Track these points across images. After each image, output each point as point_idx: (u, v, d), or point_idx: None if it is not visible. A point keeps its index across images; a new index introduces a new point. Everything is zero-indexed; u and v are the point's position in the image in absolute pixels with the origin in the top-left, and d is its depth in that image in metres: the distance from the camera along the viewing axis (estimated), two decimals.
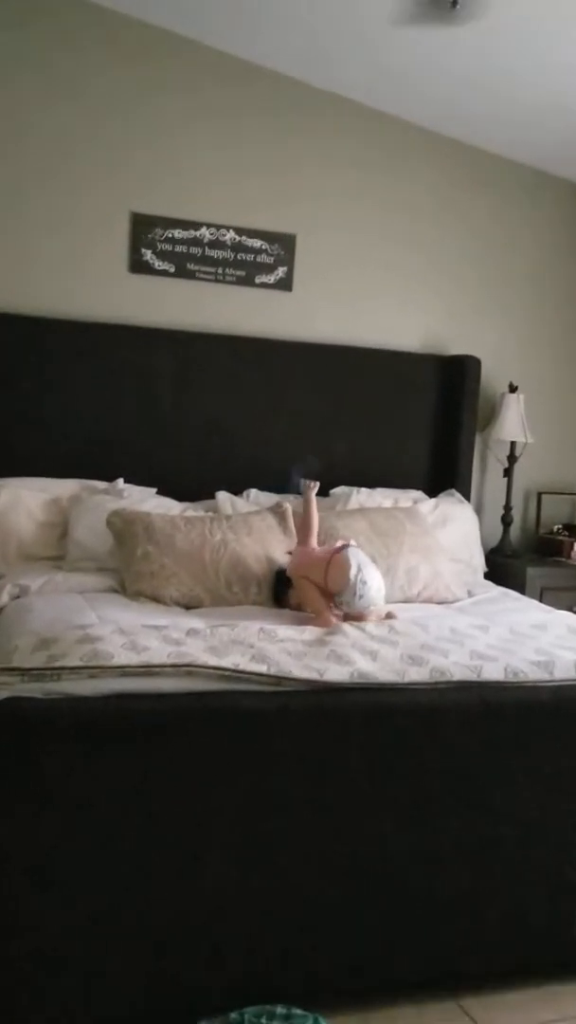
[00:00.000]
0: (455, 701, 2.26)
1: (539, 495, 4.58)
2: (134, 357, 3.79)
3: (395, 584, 3.34)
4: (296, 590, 3.04)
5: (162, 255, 3.90)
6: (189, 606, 3.07)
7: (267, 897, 2.14)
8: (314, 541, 3.18)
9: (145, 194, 3.86)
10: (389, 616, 2.96)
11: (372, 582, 2.94)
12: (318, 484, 3.27)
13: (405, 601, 3.35)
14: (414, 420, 4.26)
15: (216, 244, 3.97)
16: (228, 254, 3.99)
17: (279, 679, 2.22)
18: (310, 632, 2.63)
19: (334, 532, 3.40)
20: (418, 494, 4.16)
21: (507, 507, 4.41)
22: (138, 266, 3.87)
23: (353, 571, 2.91)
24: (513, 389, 4.35)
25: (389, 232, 4.26)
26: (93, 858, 2.04)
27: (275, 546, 3.30)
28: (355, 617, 2.91)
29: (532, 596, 3.92)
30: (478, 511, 4.46)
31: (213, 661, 2.24)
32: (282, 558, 3.22)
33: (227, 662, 2.25)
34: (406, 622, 2.83)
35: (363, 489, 4.00)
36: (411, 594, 3.40)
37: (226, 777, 2.11)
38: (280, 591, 3.10)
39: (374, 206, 4.22)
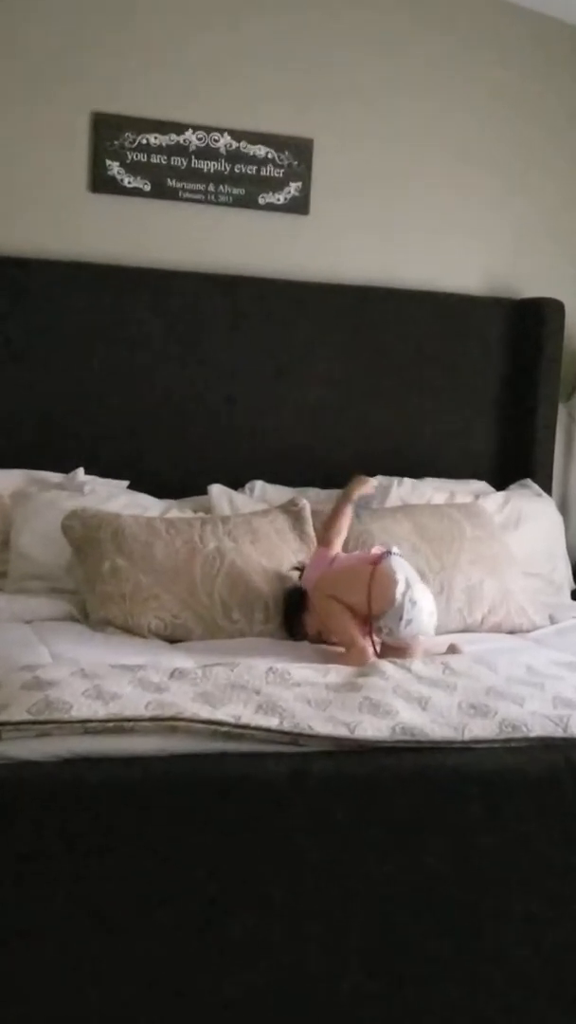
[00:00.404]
0: (534, 765, 2.26)
1: None
2: (97, 306, 3.79)
3: (451, 607, 3.33)
4: (315, 612, 3.05)
5: (134, 168, 3.89)
6: (173, 639, 3.07)
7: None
8: (338, 546, 3.19)
9: (111, 88, 3.85)
10: (452, 650, 2.95)
11: (424, 603, 2.95)
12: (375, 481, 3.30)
13: (464, 631, 3.34)
14: (475, 386, 4.25)
15: (206, 153, 3.96)
16: (223, 166, 3.99)
17: (295, 736, 2.22)
18: (336, 672, 2.62)
19: (367, 538, 3.39)
20: (481, 486, 4.15)
21: None
22: (102, 183, 3.87)
23: (400, 587, 2.91)
24: None
25: (439, 135, 4.25)
26: (46, 981, 2.04)
27: (289, 557, 3.30)
28: (396, 651, 2.90)
29: None
30: (562, 508, 4.44)
31: (205, 713, 2.24)
32: (293, 572, 3.23)
33: (224, 714, 2.25)
34: (466, 659, 2.83)
35: (407, 480, 4.00)
36: (472, 621, 3.39)
37: (223, 871, 2.11)
38: (294, 616, 3.11)
39: (419, 100, 4.21)
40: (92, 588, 3.16)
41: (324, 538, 3.22)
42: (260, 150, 4.02)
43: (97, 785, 2.08)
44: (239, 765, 2.16)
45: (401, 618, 2.89)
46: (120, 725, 2.18)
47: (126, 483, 3.74)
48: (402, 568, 2.97)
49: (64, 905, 2.04)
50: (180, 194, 3.95)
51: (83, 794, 2.06)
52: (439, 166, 4.26)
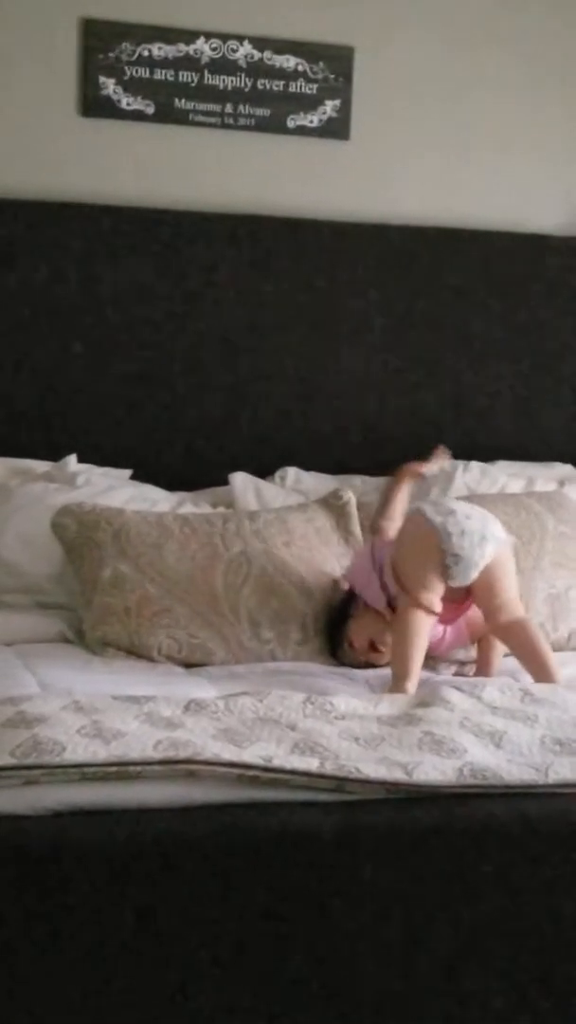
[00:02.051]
0: None
1: None
2: (89, 256, 3.80)
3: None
4: (362, 623, 3.11)
5: (134, 86, 3.89)
6: (190, 663, 3.08)
7: None
8: (392, 532, 3.22)
9: None
10: None
11: (474, 512, 3.08)
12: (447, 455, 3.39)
13: None
14: (557, 348, 4.23)
15: (222, 66, 3.96)
16: (243, 81, 3.99)
17: (340, 782, 2.22)
18: (390, 703, 2.63)
19: None
20: (567, 470, 4.14)
21: None
22: (94, 106, 3.88)
23: (429, 509, 3.08)
24: None
25: (509, 37, 4.22)
26: None
27: (331, 563, 3.30)
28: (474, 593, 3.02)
29: None
30: None
31: (229, 754, 2.25)
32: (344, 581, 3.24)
33: (252, 755, 2.25)
34: (551, 686, 2.84)
35: (474, 463, 4.00)
36: (557, 637, 3.40)
37: (251, 948, 2.11)
38: (338, 627, 3.14)
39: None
40: (89, 601, 3.17)
41: (375, 526, 3.27)
42: (288, 61, 4.02)
43: (96, 843, 2.08)
44: (271, 818, 2.16)
45: (451, 534, 2.98)
46: (124, 770, 2.19)
47: (128, 472, 3.76)
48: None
49: (57, 986, 2.05)
50: (191, 117, 3.95)
51: (79, 854, 2.06)
52: (510, 75, 4.23)
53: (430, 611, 3.00)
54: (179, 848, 2.10)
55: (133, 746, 2.24)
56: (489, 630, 3.11)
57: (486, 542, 3.03)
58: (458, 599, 3.08)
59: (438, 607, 3.01)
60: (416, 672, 2.95)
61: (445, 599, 3.03)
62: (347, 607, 3.17)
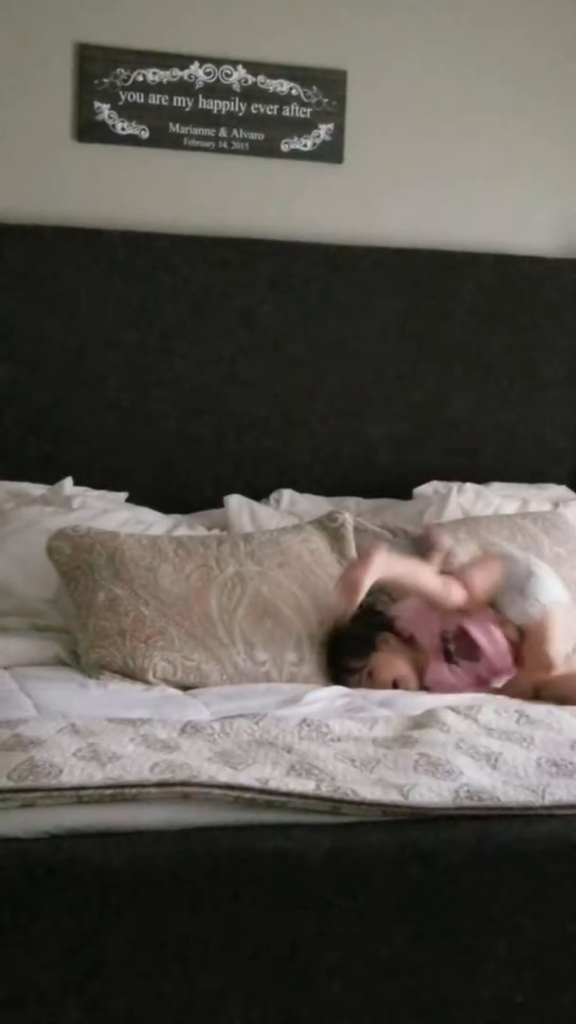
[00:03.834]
0: None
1: None
2: (84, 279, 3.82)
3: None
4: (394, 659, 3.15)
5: (128, 111, 3.91)
6: (185, 685, 3.08)
7: None
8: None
9: (99, 12, 3.88)
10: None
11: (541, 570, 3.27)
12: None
13: None
14: (551, 369, 4.24)
15: (216, 90, 3.98)
16: (237, 106, 4.01)
17: (336, 804, 2.21)
18: (385, 725, 2.63)
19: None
20: (560, 491, 4.15)
21: None
22: (89, 130, 3.90)
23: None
24: None
25: (501, 62, 4.25)
26: None
27: (326, 584, 3.29)
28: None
29: None
30: None
31: (225, 776, 2.24)
32: (341, 601, 3.24)
33: (248, 777, 2.25)
34: (546, 708, 2.83)
35: (468, 485, 4.00)
36: None
37: (246, 969, 2.10)
38: (345, 655, 3.14)
39: (474, 19, 4.20)
40: (84, 624, 3.16)
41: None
42: (282, 86, 4.04)
43: (92, 866, 2.06)
44: (267, 839, 2.14)
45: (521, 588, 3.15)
46: (120, 792, 2.18)
47: (124, 495, 3.76)
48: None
49: (53, 1008, 2.04)
50: (185, 141, 3.98)
51: (75, 876, 2.05)
52: (502, 99, 4.26)
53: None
54: (175, 871, 2.08)
55: (129, 769, 2.23)
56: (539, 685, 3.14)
57: (550, 592, 3.17)
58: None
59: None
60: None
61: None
62: (373, 635, 3.18)
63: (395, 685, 3.14)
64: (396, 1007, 2.17)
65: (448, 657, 3.16)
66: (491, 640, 3.17)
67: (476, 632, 3.17)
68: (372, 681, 3.15)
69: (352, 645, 3.19)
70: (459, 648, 3.18)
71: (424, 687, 3.15)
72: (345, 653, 3.19)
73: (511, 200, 4.28)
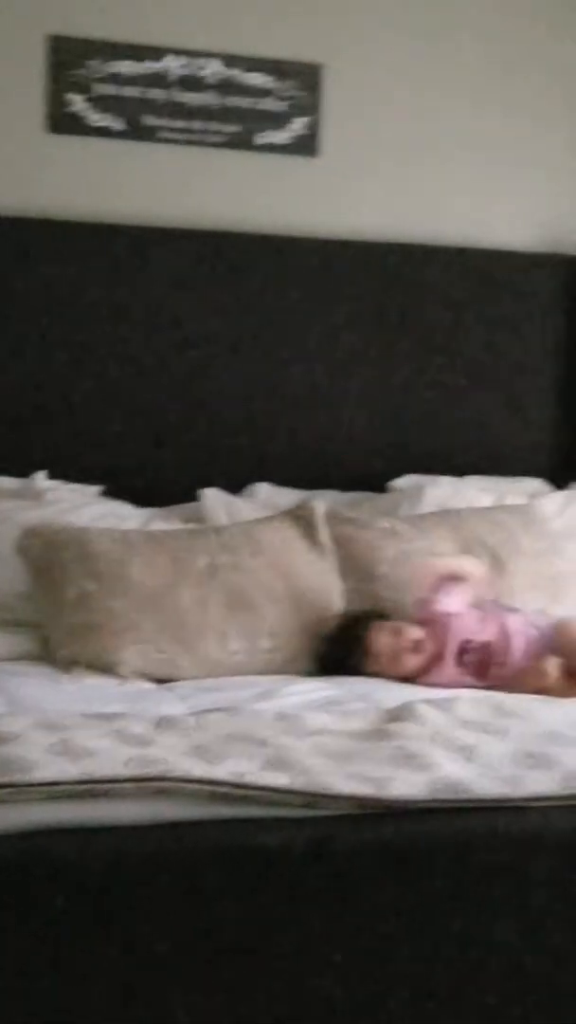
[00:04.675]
0: None
1: None
2: (57, 271, 3.80)
3: None
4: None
5: (102, 104, 3.90)
6: (160, 679, 3.08)
7: None
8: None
9: (72, 4, 3.86)
10: None
11: None
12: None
13: None
14: (526, 363, 4.24)
15: (191, 83, 3.97)
16: (212, 99, 3.99)
17: (312, 797, 2.21)
18: (361, 718, 2.63)
19: (407, 561, 3.41)
20: (536, 484, 4.15)
21: None
22: (62, 123, 3.88)
23: None
24: None
25: (478, 54, 4.24)
26: None
27: (302, 570, 3.30)
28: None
29: None
30: None
31: (200, 771, 2.23)
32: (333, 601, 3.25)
33: (224, 772, 2.24)
34: (522, 698, 2.84)
35: (444, 478, 4.01)
36: None
37: (223, 964, 2.10)
38: (345, 651, 3.15)
39: (454, 15, 4.19)
40: (56, 620, 3.17)
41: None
42: (257, 78, 4.03)
43: (66, 862, 2.06)
44: (242, 834, 2.14)
45: None
46: (94, 788, 2.17)
47: (98, 489, 3.75)
48: None
49: (27, 1004, 2.03)
50: (159, 134, 3.96)
51: (49, 873, 2.04)
52: (478, 92, 4.25)
53: None
54: (150, 866, 2.08)
55: (103, 764, 2.23)
56: None
57: None
58: None
59: None
60: None
61: None
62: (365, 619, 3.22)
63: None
64: (376, 999, 2.17)
65: (459, 662, 3.17)
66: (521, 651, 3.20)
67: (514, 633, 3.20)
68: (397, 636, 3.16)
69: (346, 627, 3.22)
70: (475, 660, 3.19)
71: (416, 678, 3.15)
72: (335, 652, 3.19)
73: (485, 194, 4.28)
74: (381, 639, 3.16)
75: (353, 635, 3.18)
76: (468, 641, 3.18)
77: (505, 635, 3.19)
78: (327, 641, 3.22)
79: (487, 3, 4.23)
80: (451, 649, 3.17)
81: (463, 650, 3.18)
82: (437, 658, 3.17)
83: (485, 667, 3.16)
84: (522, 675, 3.11)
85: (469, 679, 3.13)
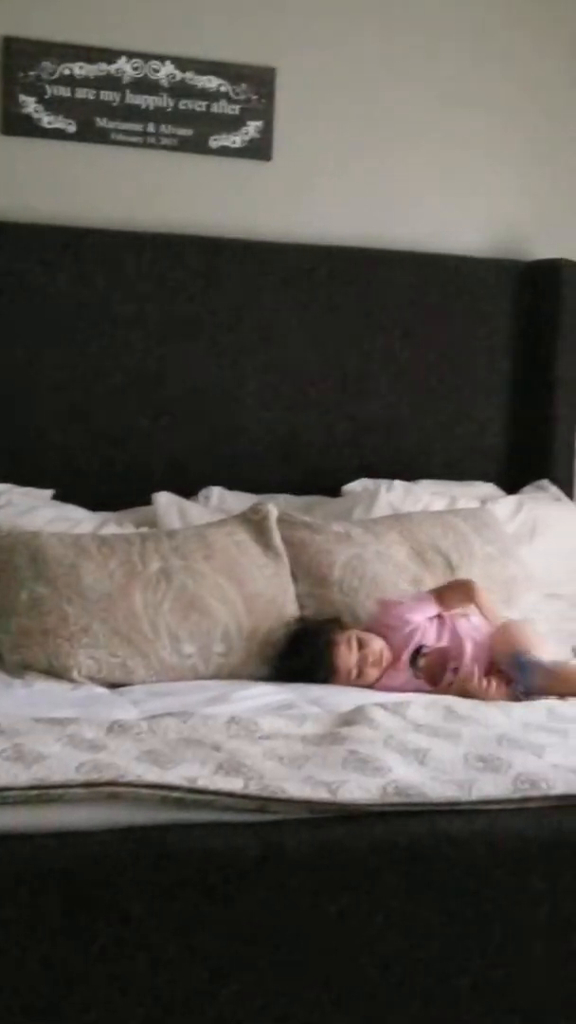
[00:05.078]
0: (557, 830, 2.26)
1: None
2: (10, 274, 3.79)
3: None
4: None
5: (54, 105, 3.90)
6: (113, 683, 3.06)
7: None
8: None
9: (25, 5, 3.86)
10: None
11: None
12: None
13: None
14: (478, 367, 4.27)
15: (144, 85, 3.97)
16: (164, 101, 4.00)
17: (264, 802, 2.20)
18: (313, 722, 2.62)
19: (358, 565, 3.42)
20: (488, 488, 4.17)
21: None
22: (15, 124, 3.89)
23: None
24: None
25: (429, 63, 4.26)
26: None
27: (254, 574, 3.30)
28: None
29: None
30: None
31: (152, 775, 2.22)
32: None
33: (176, 776, 2.23)
34: (473, 703, 2.83)
35: (397, 482, 4.01)
36: None
37: (176, 969, 2.09)
38: (310, 667, 3.13)
39: (406, 19, 4.22)
40: (6, 624, 3.14)
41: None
42: (211, 82, 4.04)
43: (18, 867, 2.04)
44: (195, 839, 2.14)
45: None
46: (46, 793, 2.16)
47: (51, 492, 3.74)
48: None
49: None
50: (112, 136, 3.97)
51: (0, 879, 2.03)
52: (430, 97, 4.28)
53: None
54: (103, 871, 2.07)
55: (55, 769, 2.21)
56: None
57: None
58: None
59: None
60: None
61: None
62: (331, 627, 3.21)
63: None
64: (325, 1003, 2.16)
65: (412, 664, 3.17)
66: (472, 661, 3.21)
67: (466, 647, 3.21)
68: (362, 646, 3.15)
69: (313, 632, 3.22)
70: (428, 664, 3.19)
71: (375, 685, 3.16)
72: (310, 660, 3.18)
73: (439, 199, 4.31)
74: (347, 655, 3.15)
75: (316, 651, 3.16)
76: (423, 646, 3.20)
77: (458, 640, 3.20)
78: (288, 655, 3.19)
79: (441, 8, 4.25)
80: (407, 655, 3.18)
81: (418, 654, 3.19)
82: (393, 663, 3.18)
83: (440, 671, 3.17)
84: (463, 682, 3.13)
85: (422, 683, 3.14)
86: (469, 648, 3.17)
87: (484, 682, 3.02)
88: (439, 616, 3.30)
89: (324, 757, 2.39)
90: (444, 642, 3.21)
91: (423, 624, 3.24)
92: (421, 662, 3.16)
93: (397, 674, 3.16)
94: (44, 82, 3.87)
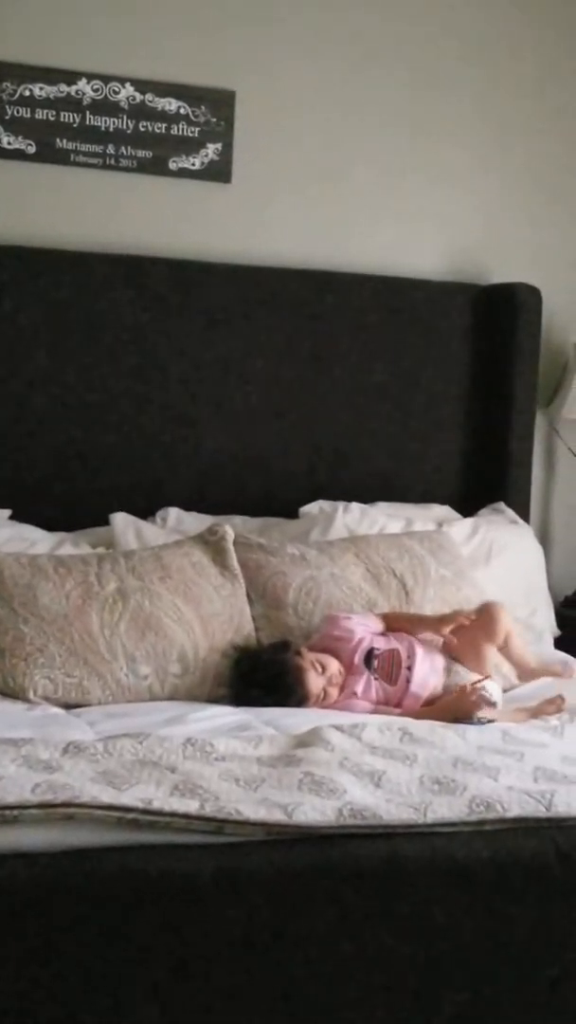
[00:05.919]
0: (512, 852, 2.26)
1: None
2: None
3: None
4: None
5: (14, 126, 3.88)
6: (69, 704, 3.06)
7: None
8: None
9: None
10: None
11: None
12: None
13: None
14: (435, 389, 4.28)
15: (104, 107, 3.97)
16: (124, 123, 4.00)
17: (220, 824, 2.21)
18: (269, 744, 2.63)
19: (313, 588, 3.43)
20: (444, 511, 4.18)
21: None
22: None
23: None
24: None
25: (389, 89, 4.28)
26: None
27: (210, 595, 3.30)
28: None
29: None
30: (542, 537, 4.48)
31: (108, 797, 2.22)
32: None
33: (131, 798, 2.23)
34: (429, 725, 2.84)
35: (353, 505, 4.02)
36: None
37: (130, 993, 2.08)
38: (279, 696, 3.12)
39: (365, 44, 4.24)
40: None
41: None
42: (171, 104, 4.04)
43: None
44: (151, 861, 2.13)
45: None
46: (1, 814, 2.15)
47: (7, 512, 3.71)
48: None
49: None
50: (72, 157, 3.96)
51: None
52: (389, 120, 4.29)
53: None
54: (57, 892, 2.06)
55: (10, 789, 2.21)
56: None
57: None
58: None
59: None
60: None
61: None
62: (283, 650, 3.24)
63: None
64: (280, 1020, 2.16)
65: (367, 666, 3.20)
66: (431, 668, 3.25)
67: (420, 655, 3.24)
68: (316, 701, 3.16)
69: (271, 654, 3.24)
70: (382, 665, 3.22)
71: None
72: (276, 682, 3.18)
73: (396, 222, 4.32)
74: (316, 679, 3.16)
75: (287, 678, 3.15)
76: (374, 648, 3.21)
77: (407, 642, 3.25)
78: (253, 682, 3.18)
79: (399, 33, 4.27)
80: (359, 658, 3.19)
81: (370, 656, 3.20)
82: (349, 673, 3.19)
83: (396, 669, 3.19)
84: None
85: (382, 684, 3.16)
86: (419, 649, 3.23)
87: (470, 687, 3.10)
88: (383, 633, 3.33)
89: (280, 779, 2.40)
90: (394, 646, 3.24)
91: (369, 636, 3.26)
92: (375, 663, 3.19)
93: (355, 680, 3.17)
94: (3, 103, 3.85)
